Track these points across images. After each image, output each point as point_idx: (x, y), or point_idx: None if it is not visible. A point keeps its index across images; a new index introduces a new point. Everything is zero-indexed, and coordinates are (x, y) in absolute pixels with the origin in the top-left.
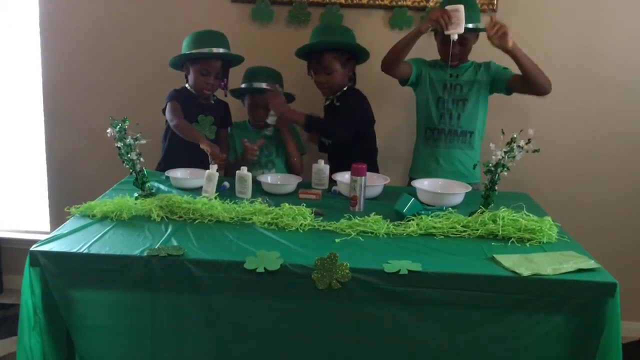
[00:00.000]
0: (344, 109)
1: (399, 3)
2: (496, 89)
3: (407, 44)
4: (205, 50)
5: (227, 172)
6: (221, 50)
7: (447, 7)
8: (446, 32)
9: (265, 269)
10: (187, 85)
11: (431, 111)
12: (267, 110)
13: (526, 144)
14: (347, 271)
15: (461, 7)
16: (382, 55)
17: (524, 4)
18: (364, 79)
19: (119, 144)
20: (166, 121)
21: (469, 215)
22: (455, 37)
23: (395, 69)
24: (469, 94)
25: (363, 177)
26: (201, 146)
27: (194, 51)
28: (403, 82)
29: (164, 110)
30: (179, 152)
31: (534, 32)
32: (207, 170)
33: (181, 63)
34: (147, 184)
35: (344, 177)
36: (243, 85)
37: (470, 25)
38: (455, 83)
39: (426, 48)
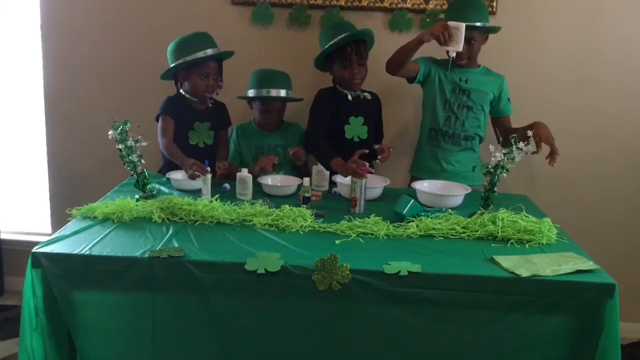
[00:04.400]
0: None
1: (399, 5)
2: (490, 109)
3: (410, 51)
4: (201, 53)
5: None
6: (210, 50)
7: (449, 24)
8: (444, 48)
9: (265, 270)
10: (182, 91)
11: (437, 112)
12: (280, 114)
13: (525, 145)
14: (347, 272)
15: (462, 26)
16: (383, 56)
17: (523, 5)
18: (371, 76)
19: (120, 146)
20: None
21: (469, 217)
22: (454, 54)
23: (400, 72)
24: (476, 101)
25: (363, 179)
26: (186, 172)
27: (188, 58)
28: (410, 80)
29: (157, 117)
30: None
31: (533, 33)
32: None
33: (172, 72)
34: (148, 186)
35: (344, 178)
36: (252, 92)
37: (477, 24)
38: (465, 88)
39: (433, 44)
